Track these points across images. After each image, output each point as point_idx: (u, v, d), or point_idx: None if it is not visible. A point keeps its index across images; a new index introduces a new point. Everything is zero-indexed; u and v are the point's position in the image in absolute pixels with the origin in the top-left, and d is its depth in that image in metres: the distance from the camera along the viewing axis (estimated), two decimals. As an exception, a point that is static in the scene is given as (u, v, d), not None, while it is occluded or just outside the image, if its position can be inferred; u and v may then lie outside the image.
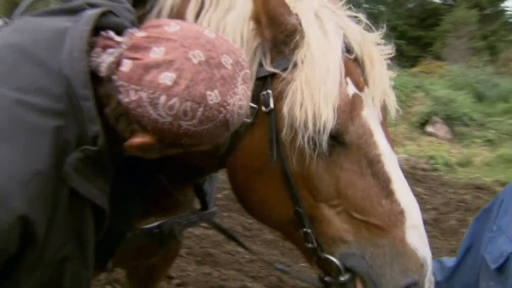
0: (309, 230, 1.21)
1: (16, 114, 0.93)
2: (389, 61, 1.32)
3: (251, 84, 1.08)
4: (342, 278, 1.19)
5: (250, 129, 1.25)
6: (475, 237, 1.37)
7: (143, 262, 1.90)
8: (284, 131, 1.18)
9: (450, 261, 1.47)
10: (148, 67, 0.95)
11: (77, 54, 0.99)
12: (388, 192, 1.16)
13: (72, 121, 0.98)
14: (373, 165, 1.17)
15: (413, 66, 16.85)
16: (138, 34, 1.01)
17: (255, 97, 1.21)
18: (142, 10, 1.41)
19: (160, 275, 2.19)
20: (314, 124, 1.13)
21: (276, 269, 1.42)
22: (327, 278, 1.23)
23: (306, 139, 1.15)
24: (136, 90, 0.95)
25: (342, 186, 1.17)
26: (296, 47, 1.21)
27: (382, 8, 23.97)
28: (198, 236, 4.34)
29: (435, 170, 7.63)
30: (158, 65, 0.94)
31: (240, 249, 4.25)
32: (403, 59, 17.86)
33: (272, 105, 1.21)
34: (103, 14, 1.09)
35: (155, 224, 1.53)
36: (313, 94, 1.14)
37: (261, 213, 1.36)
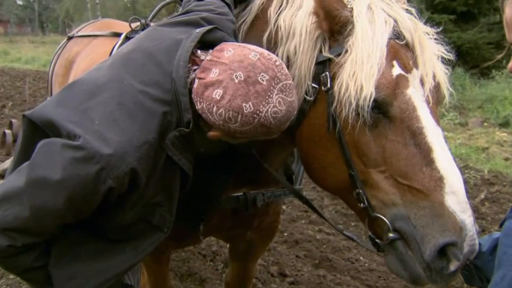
0: (360, 191, 1.38)
1: (138, 100, 1.29)
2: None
3: (292, 91, 1.32)
4: (390, 235, 1.32)
5: (313, 106, 1.46)
6: None
7: (240, 234, 2.18)
8: (334, 105, 1.38)
9: (498, 233, 1.43)
10: (207, 85, 1.28)
11: (182, 63, 1.33)
12: (429, 160, 1.29)
13: (175, 109, 1.32)
14: (416, 137, 1.31)
15: None
16: (207, 57, 1.33)
17: (317, 79, 1.44)
18: (240, 8, 1.75)
19: (257, 252, 2.48)
20: (357, 99, 1.30)
21: (345, 236, 1.56)
22: (378, 241, 1.37)
23: (350, 111, 1.32)
24: (200, 102, 1.29)
25: (387, 154, 1.33)
26: (347, 35, 1.39)
27: None
28: (319, 241, 4.39)
29: None
30: (212, 84, 1.27)
31: (361, 258, 4.18)
32: None
33: (329, 85, 1.40)
34: (209, 31, 1.43)
35: (242, 193, 1.84)
36: (357, 74, 1.31)
37: (322, 178, 1.55)
